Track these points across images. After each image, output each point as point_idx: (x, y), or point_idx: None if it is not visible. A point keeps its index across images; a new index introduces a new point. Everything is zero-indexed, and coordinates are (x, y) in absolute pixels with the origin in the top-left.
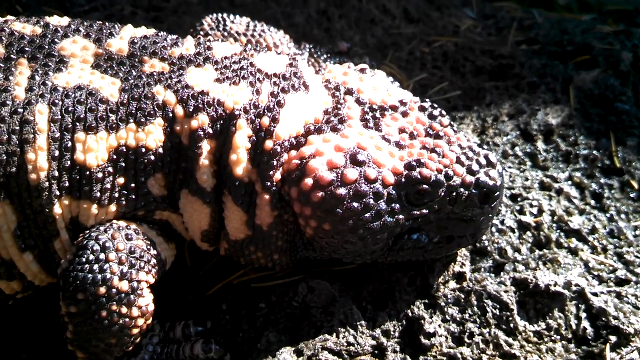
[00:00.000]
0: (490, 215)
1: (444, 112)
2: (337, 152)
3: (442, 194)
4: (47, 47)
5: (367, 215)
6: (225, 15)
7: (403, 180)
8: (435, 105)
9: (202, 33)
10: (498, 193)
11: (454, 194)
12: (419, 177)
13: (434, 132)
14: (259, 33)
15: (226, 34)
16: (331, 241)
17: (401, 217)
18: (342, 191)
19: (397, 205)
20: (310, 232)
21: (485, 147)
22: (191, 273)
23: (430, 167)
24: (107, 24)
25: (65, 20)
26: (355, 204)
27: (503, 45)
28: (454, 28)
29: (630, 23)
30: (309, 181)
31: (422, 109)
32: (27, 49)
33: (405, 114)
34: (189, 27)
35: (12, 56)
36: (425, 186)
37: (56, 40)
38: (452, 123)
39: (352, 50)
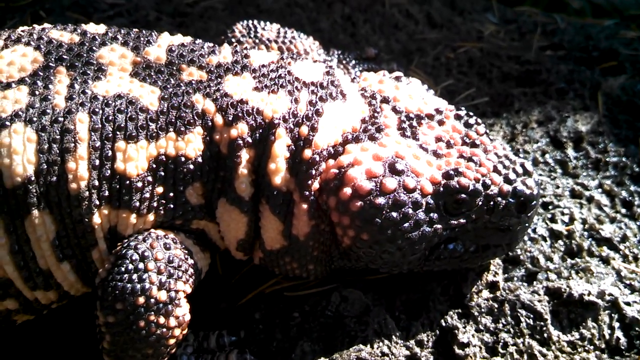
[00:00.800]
0: (527, 225)
1: (479, 120)
2: (376, 161)
3: (480, 203)
4: (85, 55)
5: (406, 224)
6: (255, 22)
7: (441, 189)
8: (471, 113)
9: (233, 40)
10: (535, 202)
11: (492, 203)
12: (457, 186)
13: (470, 140)
14: (289, 39)
15: (257, 40)
16: (369, 251)
17: (439, 226)
18: (381, 200)
19: (435, 215)
20: (348, 241)
21: (521, 155)
22: (223, 282)
23: (467, 176)
24: (144, 31)
25: (102, 28)
26: (394, 214)
27: (528, 51)
28: (478, 33)
29: None
30: (347, 190)
31: (458, 117)
32: (65, 57)
33: (441, 122)
34: (215, 33)
35: (50, 64)
36: (463, 195)
37: (94, 48)
38: (487, 131)
39: (379, 55)
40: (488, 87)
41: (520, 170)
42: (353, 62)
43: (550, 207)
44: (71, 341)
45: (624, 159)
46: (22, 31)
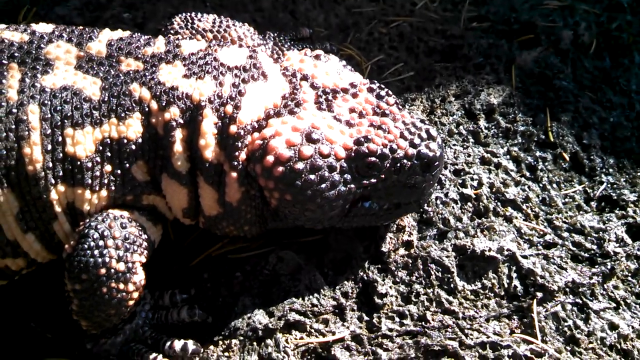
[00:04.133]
0: (432, 182)
1: (389, 92)
2: (294, 132)
3: (388, 165)
4: (34, 51)
5: (323, 185)
6: (192, 14)
7: (353, 154)
8: (382, 86)
9: (172, 32)
10: (437, 162)
11: (398, 164)
12: (367, 151)
13: (381, 110)
14: (224, 28)
15: (194, 31)
16: (293, 210)
17: (353, 186)
18: (299, 165)
19: (349, 176)
20: (275, 202)
21: (427, 121)
22: (175, 246)
23: (376, 142)
24: (86, 28)
25: (49, 27)
26: (312, 176)
27: (456, 23)
28: (411, 6)
29: None
30: (270, 158)
31: (370, 90)
32: (16, 54)
33: (355, 95)
34: (163, 15)
35: (3, 61)
36: (372, 158)
37: (42, 45)
38: (397, 101)
39: (314, 34)
40: (415, 62)
41: (425, 135)
42: (288, 44)
43: (461, 173)
44: (43, 302)
45: (531, 128)
46: None
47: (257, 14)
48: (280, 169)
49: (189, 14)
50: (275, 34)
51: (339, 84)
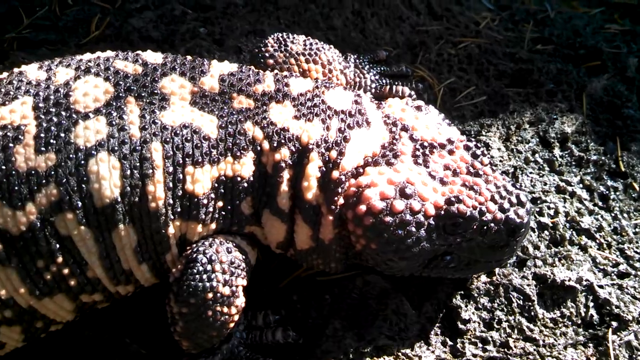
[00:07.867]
0: (515, 247)
1: (485, 151)
2: (389, 184)
3: (475, 226)
4: (149, 85)
5: (409, 240)
6: (285, 36)
7: (442, 212)
8: (479, 145)
9: (267, 54)
10: (523, 229)
11: (485, 227)
12: (456, 211)
13: (475, 170)
14: (314, 51)
15: (287, 54)
16: (376, 257)
17: (437, 243)
18: (389, 219)
19: (435, 234)
20: (359, 247)
21: (518, 185)
22: (263, 266)
23: (467, 204)
24: (196, 60)
25: (159, 57)
26: (399, 231)
27: (521, 44)
28: (475, 26)
29: (634, 19)
30: (362, 207)
31: (467, 148)
32: (132, 87)
33: (451, 152)
34: (240, 32)
35: (120, 95)
36: (460, 219)
37: (156, 78)
38: (492, 161)
39: (389, 57)
40: (485, 86)
41: (514, 200)
42: (367, 66)
43: (538, 202)
44: (138, 320)
45: (602, 157)
46: (89, 61)
47: (330, 32)
48: (370, 220)
49: (281, 35)
50: (355, 56)
51: (437, 138)
